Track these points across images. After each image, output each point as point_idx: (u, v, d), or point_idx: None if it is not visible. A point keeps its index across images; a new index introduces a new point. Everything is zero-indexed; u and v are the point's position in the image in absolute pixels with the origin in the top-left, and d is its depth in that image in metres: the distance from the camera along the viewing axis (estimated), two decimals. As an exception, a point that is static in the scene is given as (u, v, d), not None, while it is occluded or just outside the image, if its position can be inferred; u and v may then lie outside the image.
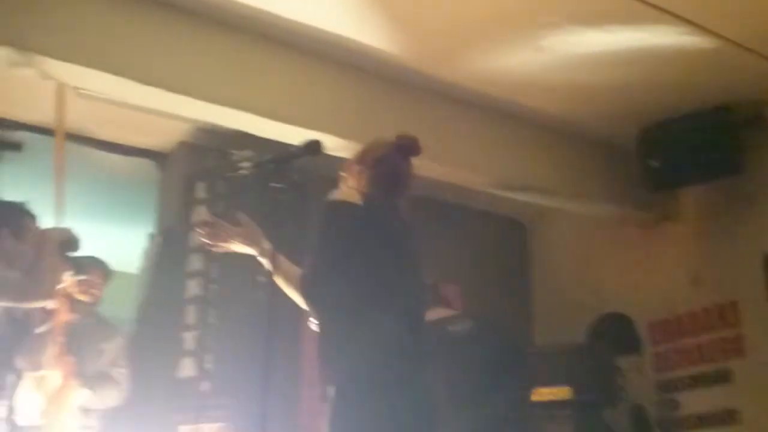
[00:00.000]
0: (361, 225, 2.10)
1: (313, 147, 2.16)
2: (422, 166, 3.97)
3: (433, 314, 3.19)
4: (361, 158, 2.33)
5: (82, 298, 3.42)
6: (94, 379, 3.30)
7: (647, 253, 4.65)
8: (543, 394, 4.03)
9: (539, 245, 5.41)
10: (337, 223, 2.12)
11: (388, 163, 2.33)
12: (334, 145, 3.37)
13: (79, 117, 3.59)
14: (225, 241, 2.20)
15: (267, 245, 2.14)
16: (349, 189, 2.23)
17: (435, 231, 4.81)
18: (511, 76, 3.78)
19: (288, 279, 2.13)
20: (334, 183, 4.10)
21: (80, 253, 2.68)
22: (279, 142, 3.33)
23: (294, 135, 3.28)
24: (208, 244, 2.22)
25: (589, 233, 5.03)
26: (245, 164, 2.18)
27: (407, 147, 2.38)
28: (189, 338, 3.56)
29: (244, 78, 3.40)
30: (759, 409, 3.92)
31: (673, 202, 4.49)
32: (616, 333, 4.67)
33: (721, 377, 4.15)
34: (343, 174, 2.32)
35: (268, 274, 2.09)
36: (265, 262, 2.14)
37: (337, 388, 1.99)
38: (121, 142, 4.30)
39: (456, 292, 3.53)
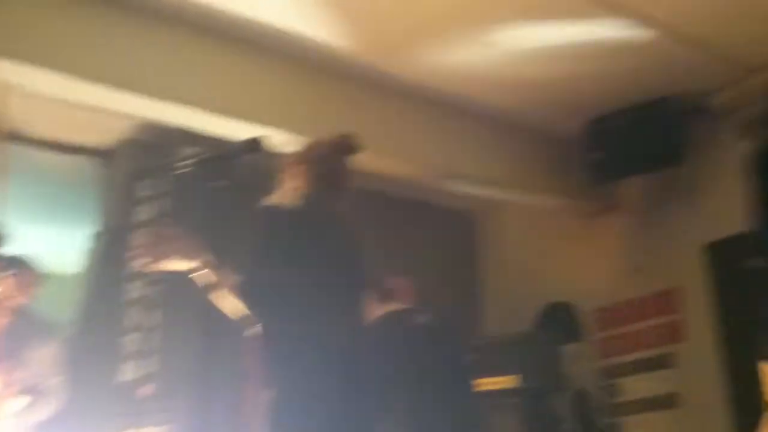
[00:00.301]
0: (296, 228, 2.10)
1: (253, 144, 2.14)
2: (371, 160, 4.02)
3: (385, 308, 3.20)
4: (301, 157, 2.32)
5: (13, 298, 3.26)
6: (31, 385, 3.18)
7: (591, 243, 4.75)
8: (491, 383, 4.09)
9: (487, 237, 5.47)
10: (271, 228, 2.11)
11: (327, 162, 2.33)
12: (283, 141, 3.34)
13: (21, 115, 3.49)
14: (163, 258, 2.04)
15: (209, 257, 2.03)
16: (287, 190, 2.22)
17: (385, 225, 4.83)
18: (458, 70, 3.80)
19: (228, 286, 2.10)
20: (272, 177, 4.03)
21: (14, 251, 2.60)
22: (225, 139, 3.29)
23: (241, 131, 3.24)
24: (146, 264, 2.06)
25: (535, 224, 5.11)
26: (187, 162, 2.14)
27: (346, 146, 2.38)
28: (130, 341, 3.49)
29: (188, 73, 3.33)
30: (698, 392, 4.04)
31: (616, 193, 4.58)
32: (560, 321, 4.76)
33: (662, 362, 4.26)
34: (282, 174, 2.30)
35: (210, 286, 2.06)
36: (207, 275, 2.06)
37: (276, 390, 1.99)
38: (63, 140, 4.18)
39: (407, 286, 3.55)
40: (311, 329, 1.99)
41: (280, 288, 2.00)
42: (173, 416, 3.27)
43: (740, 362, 3.76)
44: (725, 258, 3.99)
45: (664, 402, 4.20)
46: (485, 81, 3.90)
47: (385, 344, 2.66)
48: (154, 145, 3.94)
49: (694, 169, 4.14)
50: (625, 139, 4.08)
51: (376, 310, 2.88)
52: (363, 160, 3.95)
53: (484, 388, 4.09)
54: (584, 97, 4.07)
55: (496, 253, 5.35)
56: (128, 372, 3.42)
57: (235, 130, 3.33)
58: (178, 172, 2.23)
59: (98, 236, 4.05)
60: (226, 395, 3.15)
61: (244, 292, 2.04)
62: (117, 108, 3.40)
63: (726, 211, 3.98)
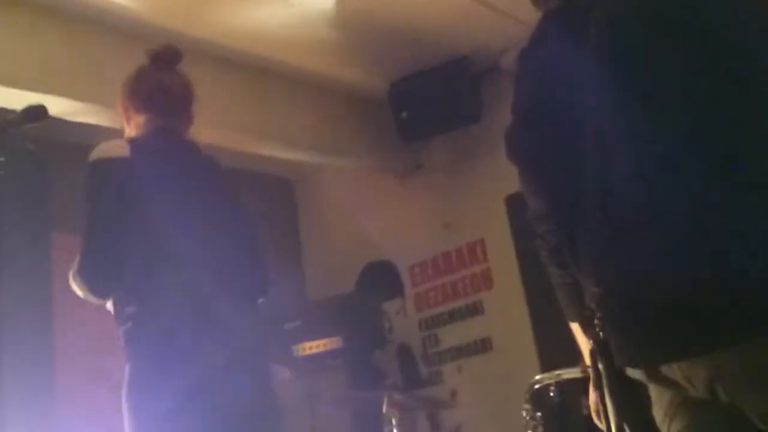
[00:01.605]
0: (129, 179, 1.93)
1: (36, 112, 1.96)
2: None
3: None
4: (120, 97, 2.15)
5: None
6: None
7: (404, 201, 4.90)
8: (314, 346, 4.13)
9: (306, 201, 5.49)
10: (98, 188, 1.95)
11: (146, 78, 2.15)
12: (72, 110, 3.11)
13: None
14: None
15: None
16: (115, 142, 2.05)
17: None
18: (262, 31, 3.72)
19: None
20: (78, 149, 3.80)
21: None
22: (6, 110, 3.00)
23: (22, 100, 2.97)
24: None
25: (351, 186, 5.19)
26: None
27: (163, 55, 2.18)
28: None
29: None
30: (506, 334, 4.33)
31: (424, 152, 4.75)
32: (380, 279, 4.90)
33: (474, 310, 4.53)
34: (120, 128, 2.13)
35: None
36: None
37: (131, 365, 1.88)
38: None
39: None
40: (171, 286, 1.88)
41: (125, 253, 1.88)
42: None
43: (544, 306, 4.06)
44: (524, 208, 4.26)
45: (478, 347, 4.47)
46: (292, 42, 3.86)
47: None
48: None
49: (492, 125, 4.37)
50: (427, 99, 4.22)
51: None
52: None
53: (309, 351, 4.13)
54: (388, 59, 4.15)
55: (315, 216, 5.39)
56: None
57: (13, 99, 3.05)
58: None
59: None
60: (35, 384, 2.96)
61: (84, 273, 1.91)
62: None
63: (523, 164, 4.25)
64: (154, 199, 1.95)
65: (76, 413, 3.59)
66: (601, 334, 1.26)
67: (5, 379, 1.81)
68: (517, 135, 1.45)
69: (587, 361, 1.46)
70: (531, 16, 1.46)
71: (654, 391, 1.31)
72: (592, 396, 1.54)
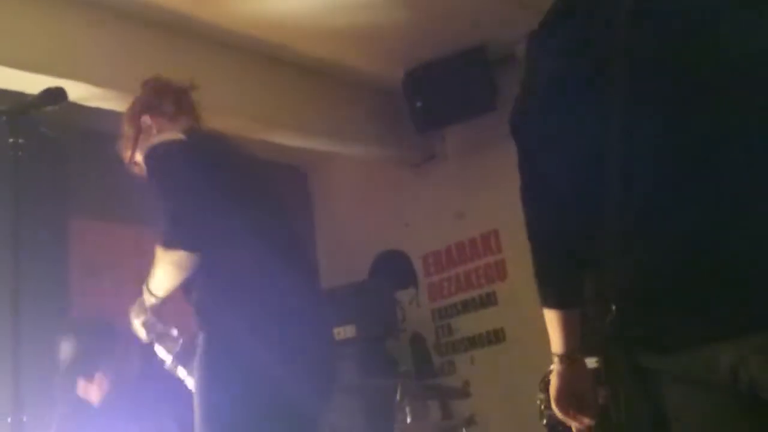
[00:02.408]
0: (205, 154, 1.98)
1: (56, 95, 1.98)
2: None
3: None
4: (141, 107, 2.17)
5: None
6: None
7: (418, 191, 4.89)
8: (328, 334, 4.14)
9: (320, 191, 5.49)
10: (178, 160, 1.95)
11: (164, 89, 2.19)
12: (89, 95, 3.12)
13: None
14: None
15: None
16: (169, 133, 2.06)
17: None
18: (276, 18, 3.71)
19: None
20: (94, 135, 3.81)
21: None
22: (20, 93, 3.02)
23: (39, 85, 2.98)
24: None
25: (364, 175, 5.19)
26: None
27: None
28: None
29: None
30: (520, 325, 4.32)
31: (438, 142, 4.74)
32: (393, 269, 4.90)
33: (488, 300, 4.52)
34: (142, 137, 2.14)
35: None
36: None
37: (209, 335, 1.89)
38: None
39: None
40: (258, 262, 1.89)
41: (217, 220, 1.87)
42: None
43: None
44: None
45: (491, 338, 4.47)
46: (304, 30, 3.85)
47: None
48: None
49: (506, 115, 4.35)
50: (442, 88, 4.20)
51: None
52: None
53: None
54: (404, 47, 4.14)
55: (328, 206, 5.39)
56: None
57: (35, 84, 3.06)
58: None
59: None
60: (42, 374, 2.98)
61: (174, 239, 1.88)
62: None
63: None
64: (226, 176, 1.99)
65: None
66: (616, 322, 1.24)
67: (24, 361, 1.82)
68: (532, 115, 1.41)
69: (558, 348, 1.44)
70: (548, 5, 1.44)
71: (670, 383, 1.27)
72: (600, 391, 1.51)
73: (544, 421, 2.43)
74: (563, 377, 1.48)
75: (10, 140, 1.97)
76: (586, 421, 1.48)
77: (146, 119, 2.18)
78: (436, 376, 4.59)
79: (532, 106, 1.42)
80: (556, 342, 1.48)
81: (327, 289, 4.81)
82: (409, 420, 2.97)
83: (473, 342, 4.54)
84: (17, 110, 1.95)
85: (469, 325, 4.56)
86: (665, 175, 1.18)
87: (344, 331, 4.19)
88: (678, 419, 1.25)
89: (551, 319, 1.50)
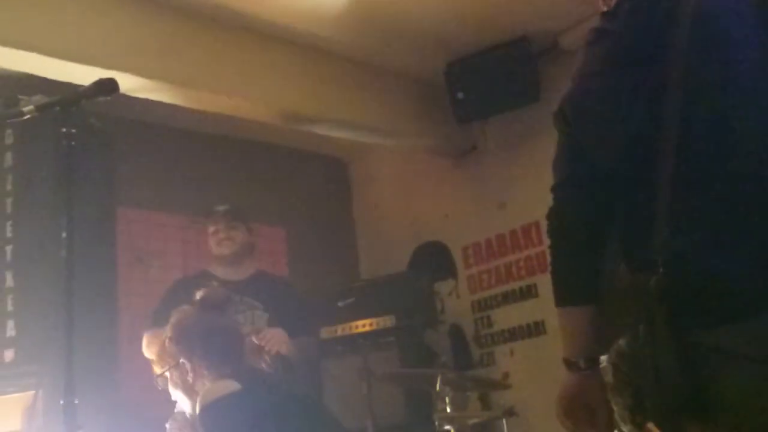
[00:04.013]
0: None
1: (108, 86, 2.02)
2: (233, 106, 3.91)
3: None
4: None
5: None
6: None
7: (458, 182, 4.88)
8: (368, 324, 4.17)
9: (360, 182, 5.51)
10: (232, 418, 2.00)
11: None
12: (138, 86, 3.19)
13: None
14: None
15: None
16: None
17: (257, 175, 4.77)
18: (318, 10, 3.73)
19: None
20: (142, 126, 3.88)
21: None
22: (74, 85, 3.09)
23: (89, 76, 3.05)
24: None
25: (404, 167, 5.19)
26: (29, 108, 1.99)
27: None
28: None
29: (29, 15, 3.08)
30: (560, 318, 4.29)
31: (479, 133, 4.72)
32: (433, 260, 4.90)
33: (529, 293, 4.49)
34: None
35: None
36: None
37: None
38: None
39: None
40: None
41: None
42: (39, 381, 3.12)
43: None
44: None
45: (531, 330, 4.45)
46: (345, 21, 3.85)
47: None
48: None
49: (550, 106, 4.30)
50: (484, 79, 4.18)
51: None
52: (223, 106, 3.87)
53: (362, 329, 4.17)
54: (446, 38, 4.12)
55: (368, 196, 5.41)
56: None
57: (84, 76, 3.13)
58: (21, 119, 2.07)
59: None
60: (100, 352, 3.05)
61: None
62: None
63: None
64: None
65: (138, 383, 3.71)
66: (660, 299, 1.16)
67: (75, 345, 1.88)
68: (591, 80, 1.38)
69: (570, 352, 1.37)
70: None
71: (722, 360, 1.17)
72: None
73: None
74: (577, 386, 1.39)
75: (63, 130, 2.01)
76: None
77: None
78: (475, 368, 4.58)
79: (584, 89, 1.41)
80: (569, 345, 1.40)
81: (366, 279, 4.87)
82: (448, 410, 2.98)
83: (513, 334, 4.52)
84: (70, 101, 1.99)
85: (508, 317, 4.54)
86: (724, 145, 1.16)
87: (383, 321, 4.21)
88: (730, 405, 1.14)
89: (565, 319, 1.43)
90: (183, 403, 2.16)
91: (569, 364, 1.40)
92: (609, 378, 1.45)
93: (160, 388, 2.16)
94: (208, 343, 2.17)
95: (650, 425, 1.37)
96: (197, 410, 2.05)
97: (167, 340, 2.19)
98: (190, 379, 2.14)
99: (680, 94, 1.20)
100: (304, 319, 3.44)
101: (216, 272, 3.38)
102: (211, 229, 3.40)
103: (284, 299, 3.41)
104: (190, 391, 2.13)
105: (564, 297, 1.43)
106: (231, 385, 2.03)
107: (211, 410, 2.00)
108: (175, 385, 2.16)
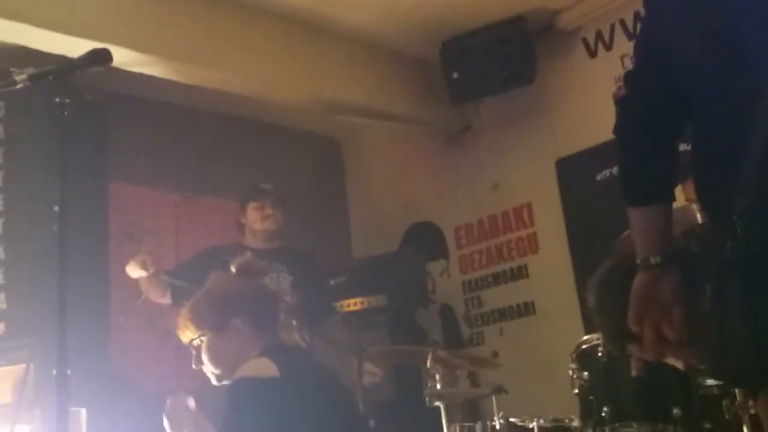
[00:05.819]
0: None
1: (101, 56, 2.00)
2: (227, 82, 3.90)
3: None
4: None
5: None
6: None
7: (451, 163, 4.88)
8: (360, 303, 4.18)
9: (353, 161, 5.51)
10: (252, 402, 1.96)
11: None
12: (132, 60, 3.16)
13: None
14: None
15: None
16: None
17: (250, 153, 4.76)
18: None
19: None
20: (135, 101, 3.86)
21: None
22: (68, 59, 3.06)
23: (83, 49, 3.03)
24: None
25: (398, 146, 5.19)
26: (22, 77, 1.98)
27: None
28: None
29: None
30: (550, 298, 4.32)
31: (473, 113, 4.71)
32: (425, 240, 4.92)
33: (519, 273, 4.52)
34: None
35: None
36: None
37: None
38: None
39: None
40: None
41: None
42: (31, 353, 3.13)
43: (590, 271, 4.03)
44: (575, 172, 4.23)
45: (521, 310, 4.47)
46: (345, 1, 3.84)
47: None
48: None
49: (545, 87, 4.32)
50: (481, 58, 4.16)
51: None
52: (217, 81, 3.84)
53: (353, 308, 4.18)
54: (441, 18, 4.10)
55: (361, 176, 5.41)
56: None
57: (76, 47, 3.10)
58: (13, 89, 2.05)
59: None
60: (92, 325, 3.06)
61: None
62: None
63: (575, 128, 4.20)
64: None
65: (131, 359, 3.72)
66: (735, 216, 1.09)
67: (68, 317, 1.88)
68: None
69: (642, 251, 1.32)
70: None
71: None
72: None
73: (576, 391, 2.46)
74: (650, 285, 1.33)
75: (56, 100, 2.00)
76: (668, 333, 1.31)
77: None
78: (465, 347, 4.61)
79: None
80: (642, 244, 1.35)
81: (359, 259, 4.88)
82: (438, 387, 3.00)
83: (503, 314, 4.55)
84: (63, 70, 1.97)
85: (499, 297, 4.57)
86: None
87: (374, 300, 4.23)
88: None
89: (636, 219, 1.39)
90: (211, 371, 2.11)
91: (643, 263, 1.36)
92: (592, 300, 1.47)
93: (193, 353, 2.12)
94: (250, 309, 2.15)
95: (632, 347, 1.39)
96: (230, 380, 2.03)
97: (201, 305, 2.15)
98: (225, 344, 2.12)
99: None
100: (324, 285, 3.73)
101: (249, 245, 3.51)
102: (254, 204, 3.57)
103: (308, 266, 3.66)
104: (223, 356, 2.10)
105: (635, 196, 1.41)
106: (270, 368, 1.98)
107: (243, 387, 1.97)
108: (208, 351, 2.12)
